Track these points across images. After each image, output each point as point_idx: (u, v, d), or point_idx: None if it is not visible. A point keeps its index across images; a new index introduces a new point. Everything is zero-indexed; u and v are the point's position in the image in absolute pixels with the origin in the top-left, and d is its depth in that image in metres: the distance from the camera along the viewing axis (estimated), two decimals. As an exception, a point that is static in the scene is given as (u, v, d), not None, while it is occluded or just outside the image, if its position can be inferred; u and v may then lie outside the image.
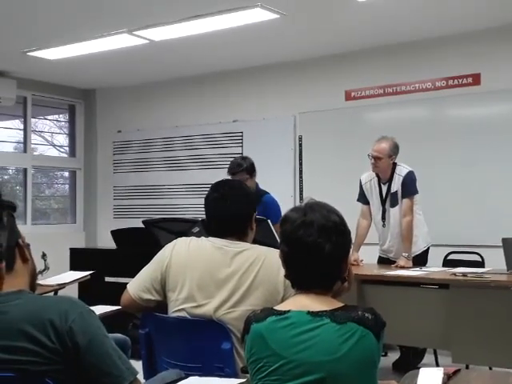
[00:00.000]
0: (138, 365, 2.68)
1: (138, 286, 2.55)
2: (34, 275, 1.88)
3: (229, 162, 5.38)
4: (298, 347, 1.67)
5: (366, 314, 1.70)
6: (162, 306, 2.56)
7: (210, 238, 2.54)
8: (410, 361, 5.05)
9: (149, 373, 2.62)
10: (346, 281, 1.85)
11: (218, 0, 4.89)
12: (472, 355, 4.16)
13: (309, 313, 1.71)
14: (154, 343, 2.61)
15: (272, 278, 2.38)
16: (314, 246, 1.75)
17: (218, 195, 2.58)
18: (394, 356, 5.24)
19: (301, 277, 1.80)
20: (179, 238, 2.62)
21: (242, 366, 2.33)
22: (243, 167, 4.98)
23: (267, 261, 2.43)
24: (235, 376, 2.36)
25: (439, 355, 5.07)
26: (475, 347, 4.11)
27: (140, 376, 2.56)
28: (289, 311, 1.73)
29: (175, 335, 2.49)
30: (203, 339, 2.42)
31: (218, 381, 2.05)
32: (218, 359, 2.39)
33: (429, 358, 5.16)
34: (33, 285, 1.87)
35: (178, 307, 2.46)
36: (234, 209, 2.53)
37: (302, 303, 1.76)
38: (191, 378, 2.09)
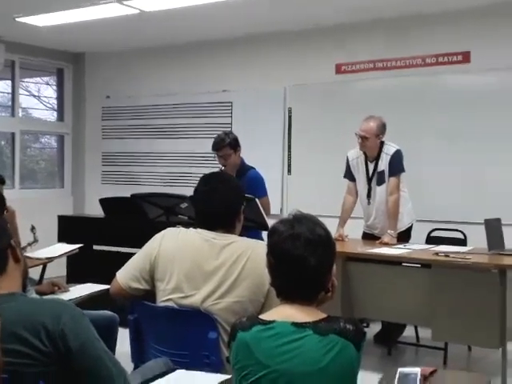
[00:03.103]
0: (125, 332, 2.78)
1: (127, 274, 2.60)
2: (25, 275, 1.92)
3: (218, 132, 5.39)
4: (282, 357, 1.74)
5: (348, 326, 1.76)
6: (151, 294, 2.62)
7: (199, 230, 2.59)
8: (391, 334, 5.17)
9: (137, 357, 2.69)
10: (329, 291, 1.91)
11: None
12: (451, 333, 4.27)
13: (293, 324, 1.77)
14: (143, 329, 2.68)
15: (258, 270, 2.42)
16: (299, 259, 1.81)
17: (207, 188, 2.62)
18: (375, 327, 5.37)
19: (286, 287, 1.86)
20: (168, 229, 2.67)
21: (227, 356, 2.41)
22: (226, 142, 4.97)
23: (254, 253, 2.48)
24: (220, 364, 2.44)
25: (420, 329, 5.21)
26: (455, 326, 4.21)
27: (128, 359, 2.67)
28: (273, 321, 1.79)
29: (163, 323, 2.56)
30: (190, 328, 2.48)
31: (204, 375, 2.12)
32: (204, 348, 2.46)
33: (409, 330, 5.29)
34: (24, 283, 1.92)
35: (165, 297, 2.52)
36: (223, 202, 2.58)
37: (287, 313, 1.82)
38: (178, 372, 2.16)
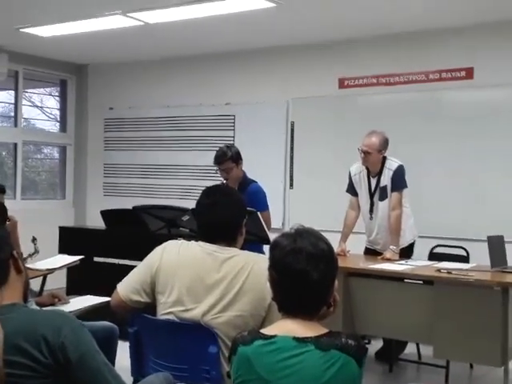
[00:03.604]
0: (126, 346, 2.75)
1: (127, 287, 2.58)
2: (26, 285, 1.91)
3: (220, 145, 5.39)
4: (283, 372, 1.72)
5: (350, 341, 1.74)
6: (151, 307, 2.60)
7: (200, 243, 2.58)
8: (393, 351, 5.14)
9: (137, 371, 2.67)
10: (331, 306, 1.89)
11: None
12: (453, 351, 4.24)
13: (294, 338, 1.76)
14: (143, 342, 2.65)
15: (260, 284, 2.41)
16: (301, 274, 1.80)
17: (209, 201, 2.61)
18: (376, 344, 5.34)
19: (288, 302, 1.85)
20: (169, 241, 2.66)
21: (227, 370, 2.38)
22: (228, 156, 4.97)
23: (256, 267, 2.47)
24: (221, 379, 2.42)
25: (421, 346, 5.17)
26: (457, 343, 4.18)
27: (127, 373, 2.64)
28: (275, 336, 1.78)
29: (163, 337, 2.54)
30: (191, 342, 2.46)
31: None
32: (204, 362, 2.44)
33: (411, 347, 5.26)
34: (26, 294, 1.91)
35: (166, 310, 2.50)
36: (225, 215, 2.57)
37: (288, 328, 1.80)
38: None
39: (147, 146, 7.96)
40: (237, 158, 5.02)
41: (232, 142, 6.96)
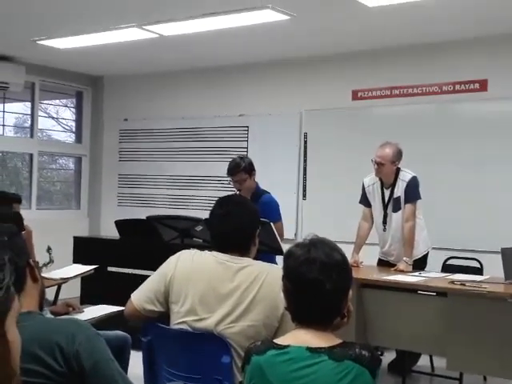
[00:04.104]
0: (138, 355, 2.77)
1: (141, 296, 2.60)
2: (42, 294, 1.93)
3: (233, 156, 5.41)
4: (296, 383, 1.73)
5: (363, 352, 1.75)
6: (164, 316, 2.62)
7: (214, 253, 2.59)
8: (406, 363, 5.11)
9: (149, 380, 2.68)
10: (345, 317, 1.90)
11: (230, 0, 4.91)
12: (467, 363, 4.21)
13: (308, 349, 1.76)
14: (156, 351, 2.67)
15: (273, 294, 2.42)
16: (315, 284, 1.80)
17: (222, 211, 2.63)
18: (389, 356, 5.32)
19: (301, 312, 1.85)
20: (183, 251, 2.67)
21: (240, 380, 2.39)
22: (241, 167, 4.98)
23: (269, 277, 2.48)
24: (233, 389, 2.43)
25: (434, 358, 5.15)
26: (470, 355, 4.16)
27: (140, 382, 2.66)
28: (288, 346, 1.78)
29: (176, 346, 2.55)
30: (204, 352, 2.47)
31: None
32: (217, 372, 2.45)
33: (424, 359, 5.23)
34: (41, 303, 1.93)
35: (179, 320, 2.52)
36: (238, 226, 2.58)
37: (302, 338, 1.81)
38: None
39: (161, 157, 8.01)
40: (250, 169, 5.03)
41: (245, 153, 6.98)
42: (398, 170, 5.01)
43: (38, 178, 8.18)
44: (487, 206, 5.85)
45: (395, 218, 5.03)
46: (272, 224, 4.34)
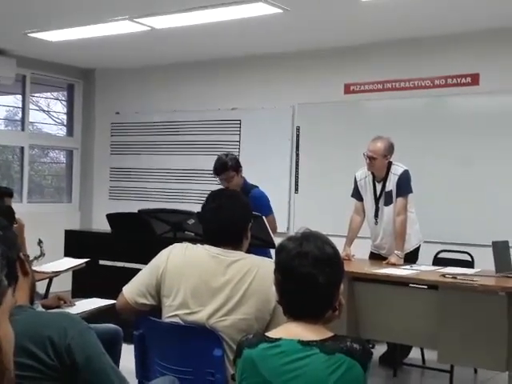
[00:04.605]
0: (130, 349, 2.77)
1: (133, 290, 2.60)
2: (33, 288, 1.92)
3: (226, 150, 5.40)
4: (288, 376, 1.73)
5: (355, 345, 1.75)
6: (156, 309, 2.62)
7: (206, 246, 2.59)
8: (397, 355, 5.14)
9: (141, 374, 2.69)
10: (336, 310, 1.90)
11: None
12: (457, 356, 4.23)
13: (299, 342, 1.76)
14: (148, 345, 2.67)
15: (265, 287, 2.42)
16: (307, 277, 1.80)
17: (214, 205, 2.63)
18: (381, 349, 5.34)
19: (293, 305, 1.86)
20: (175, 244, 2.67)
21: (232, 373, 2.40)
22: (229, 165, 4.95)
23: (261, 271, 2.48)
24: (225, 382, 2.43)
25: (425, 350, 5.17)
26: (461, 348, 4.18)
27: (132, 375, 2.66)
28: (280, 339, 1.78)
29: (168, 339, 2.55)
30: (196, 345, 2.48)
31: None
32: (209, 365, 2.45)
33: (415, 352, 5.25)
34: (32, 297, 1.92)
35: (171, 313, 2.52)
36: (230, 219, 2.58)
37: (293, 331, 1.81)
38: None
39: (153, 150, 7.99)
40: (236, 166, 5.00)
41: (238, 147, 6.98)
42: (389, 164, 5.01)
43: (29, 171, 8.15)
44: (478, 199, 5.87)
45: (387, 211, 5.04)
46: (264, 218, 4.34)
